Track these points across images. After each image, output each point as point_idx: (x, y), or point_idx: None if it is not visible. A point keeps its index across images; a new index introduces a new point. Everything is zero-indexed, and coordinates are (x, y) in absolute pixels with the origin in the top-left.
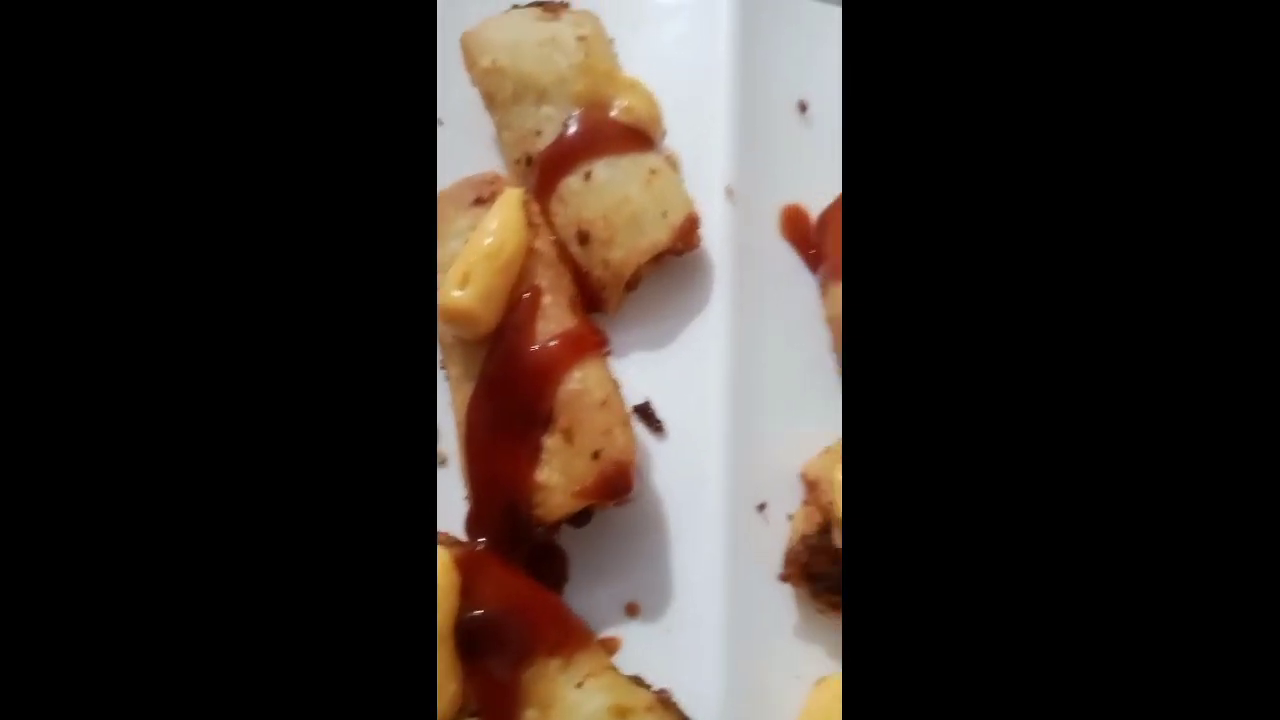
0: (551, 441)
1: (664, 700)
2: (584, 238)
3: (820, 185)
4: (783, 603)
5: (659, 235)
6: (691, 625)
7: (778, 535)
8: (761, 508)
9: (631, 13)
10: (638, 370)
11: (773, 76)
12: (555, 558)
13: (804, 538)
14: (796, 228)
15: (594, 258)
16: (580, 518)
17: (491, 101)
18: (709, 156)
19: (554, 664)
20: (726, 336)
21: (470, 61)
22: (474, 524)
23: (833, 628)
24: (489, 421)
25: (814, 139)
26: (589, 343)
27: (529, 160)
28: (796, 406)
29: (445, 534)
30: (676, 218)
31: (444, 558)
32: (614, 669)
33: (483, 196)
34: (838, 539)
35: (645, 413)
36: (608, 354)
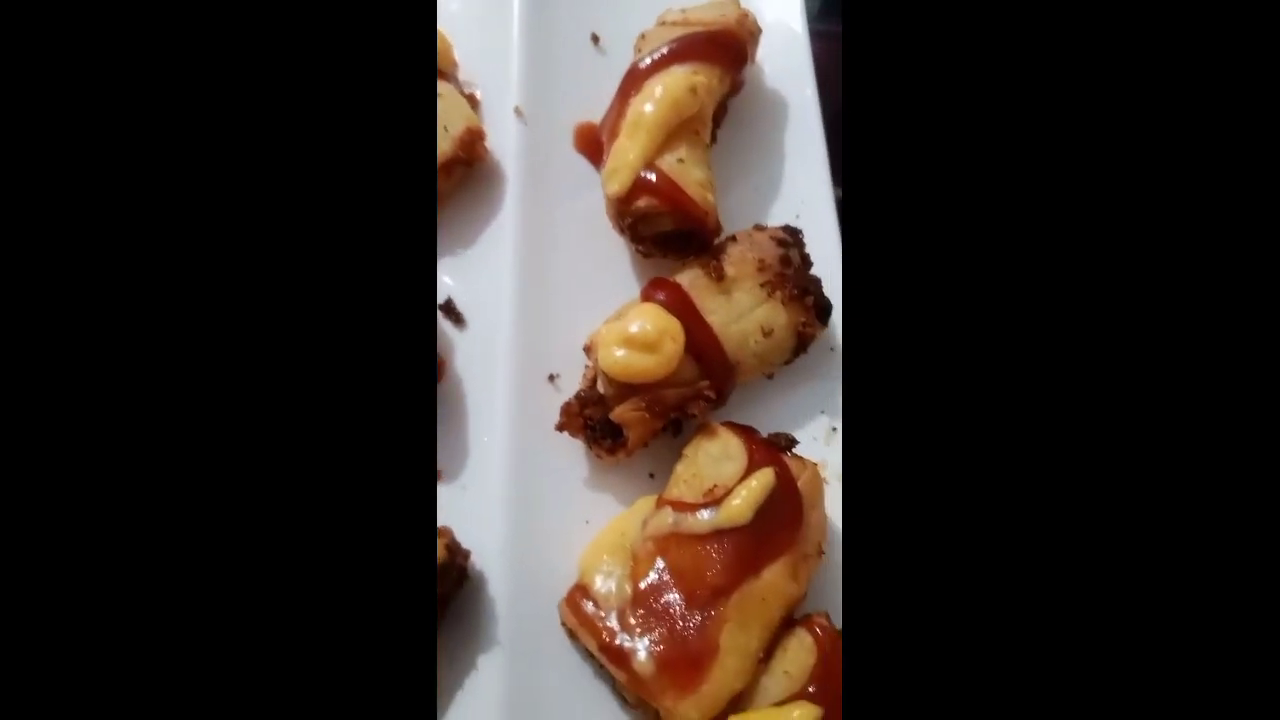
0: None
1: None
2: None
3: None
4: (572, 458)
5: (443, 147)
6: (483, 480)
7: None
8: (552, 378)
9: None
10: (446, 273)
11: (566, 13)
12: None
13: (578, 393)
14: (588, 141)
15: None
16: None
17: None
18: (503, 84)
19: None
20: (516, 235)
21: None
22: None
23: (617, 476)
24: None
25: (607, 65)
26: None
27: None
28: (586, 290)
29: None
30: (457, 131)
31: None
32: None
33: None
34: (603, 386)
35: (448, 308)
36: None
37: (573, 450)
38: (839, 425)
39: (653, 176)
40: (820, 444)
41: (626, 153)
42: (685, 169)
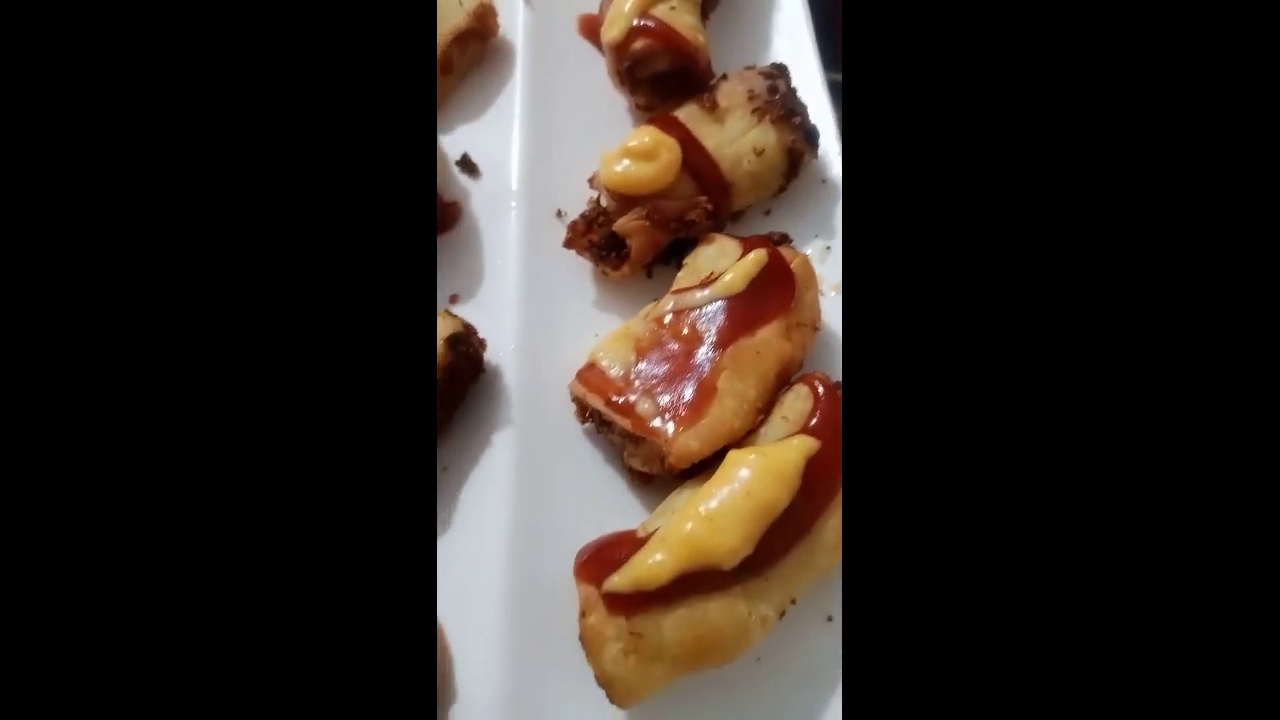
0: None
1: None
2: None
3: None
4: (579, 278)
5: (458, 20)
6: (496, 298)
7: None
8: (560, 213)
9: None
10: (462, 135)
11: None
12: None
13: (583, 213)
14: (592, 29)
15: None
16: None
17: None
18: None
19: None
20: (525, 97)
21: None
22: None
23: (624, 301)
24: None
25: None
26: None
27: None
28: (589, 142)
29: None
30: (471, 4)
31: None
32: None
33: None
34: (606, 202)
35: (464, 162)
36: None
37: (582, 275)
38: (833, 244)
39: (649, 23)
40: (817, 262)
41: (623, 5)
42: (677, 14)
